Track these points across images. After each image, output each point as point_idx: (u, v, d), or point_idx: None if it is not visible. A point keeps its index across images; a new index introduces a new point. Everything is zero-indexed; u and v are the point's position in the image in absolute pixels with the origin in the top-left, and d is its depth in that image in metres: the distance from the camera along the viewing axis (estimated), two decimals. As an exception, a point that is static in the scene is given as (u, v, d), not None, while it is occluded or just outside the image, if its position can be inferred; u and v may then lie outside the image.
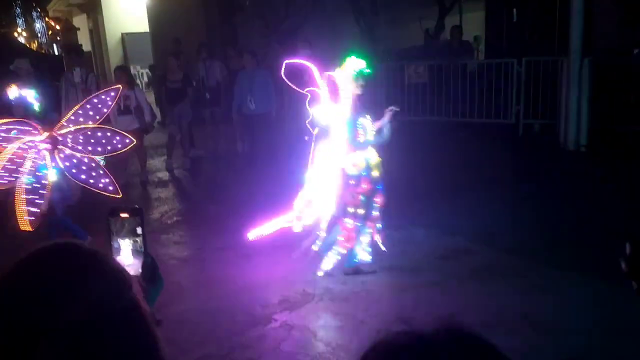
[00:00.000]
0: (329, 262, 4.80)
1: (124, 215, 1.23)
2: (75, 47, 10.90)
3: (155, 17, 16.19)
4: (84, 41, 19.99)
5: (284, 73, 4.92)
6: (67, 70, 9.21)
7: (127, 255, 1.24)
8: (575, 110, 8.50)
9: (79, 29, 20.61)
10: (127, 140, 4.87)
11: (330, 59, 5.28)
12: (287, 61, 4.97)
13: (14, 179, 4.90)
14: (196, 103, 9.34)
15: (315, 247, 4.75)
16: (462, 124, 9.93)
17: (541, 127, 9.48)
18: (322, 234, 4.72)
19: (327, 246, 4.79)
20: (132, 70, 15.35)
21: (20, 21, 36.08)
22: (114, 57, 18.72)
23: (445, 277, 4.71)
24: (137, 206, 1.26)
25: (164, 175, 8.79)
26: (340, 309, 4.36)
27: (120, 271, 0.88)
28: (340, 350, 3.86)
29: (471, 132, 9.66)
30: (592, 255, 4.62)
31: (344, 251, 4.77)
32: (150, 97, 10.05)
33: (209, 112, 9.79)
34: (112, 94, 4.67)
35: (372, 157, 4.72)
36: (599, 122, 8.47)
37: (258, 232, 4.84)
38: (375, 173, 4.70)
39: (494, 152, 8.62)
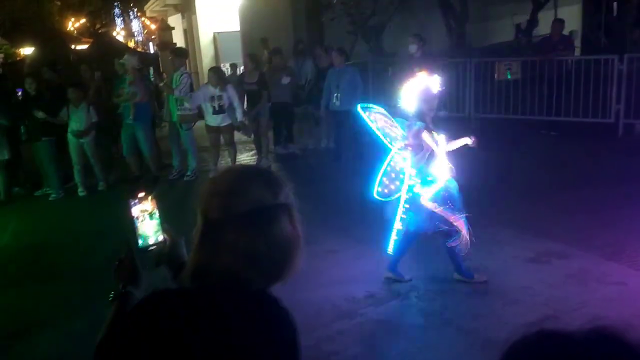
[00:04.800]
0: None
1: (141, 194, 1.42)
2: (177, 48, 11.43)
3: (245, 17, 16.68)
4: (178, 40, 20.88)
5: None
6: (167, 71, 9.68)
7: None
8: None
9: (173, 28, 21.53)
10: None
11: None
12: None
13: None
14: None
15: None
16: (555, 123, 9.53)
17: (643, 128, 8.94)
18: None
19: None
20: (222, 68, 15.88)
21: (118, 21, 38.12)
22: (207, 55, 19.43)
23: (535, 281, 4.57)
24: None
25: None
26: (426, 307, 4.34)
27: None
28: (426, 349, 3.84)
29: (564, 131, 9.26)
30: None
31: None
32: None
33: (302, 109, 10.03)
34: None
35: None
36: None
37: None
38: None
39: (590, 152, 8.22)
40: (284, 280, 1.29)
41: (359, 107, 4.74)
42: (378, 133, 4.63)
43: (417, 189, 4.44)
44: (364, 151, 8.77)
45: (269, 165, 9.10)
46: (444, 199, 4.38)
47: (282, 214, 1.26)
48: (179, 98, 8.21)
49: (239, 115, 8.27)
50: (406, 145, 4.46)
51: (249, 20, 16.31)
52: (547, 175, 7.22)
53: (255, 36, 13.85)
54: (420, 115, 4.38)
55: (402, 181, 4.58)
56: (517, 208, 6.13)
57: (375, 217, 6.26)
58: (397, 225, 4.58)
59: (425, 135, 4.33)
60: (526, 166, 7.71)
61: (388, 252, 4.66)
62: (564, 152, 8.38)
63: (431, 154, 4.38)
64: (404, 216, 4.55)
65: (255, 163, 9.19)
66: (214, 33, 19.68)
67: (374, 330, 4.08)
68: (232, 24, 17.83)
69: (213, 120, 8.18)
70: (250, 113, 9.06)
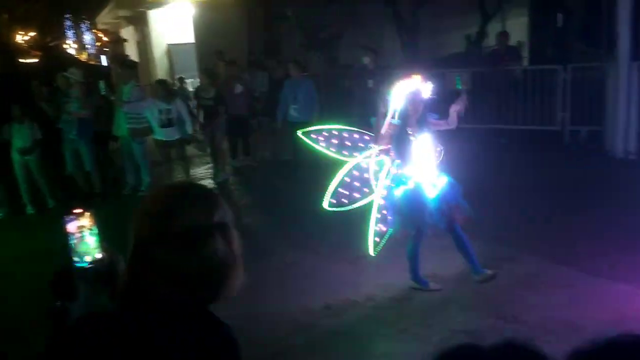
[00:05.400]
0: None
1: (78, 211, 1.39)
2: (126, 60, 11.22)
3: (200, 29, 16.57)
4: (131, 52, 20.56)
5: None
6: (117, 84, 9.48)
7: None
8: (623, 117, 8.29)
9: (126, 40, 21.21)
10: None
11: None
12: None
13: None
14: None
15: None
16: (505, 131, 9.80)
17: (588, 134, 9.29)
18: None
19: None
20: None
21: (70, 33, 37.27)
22: (160, 68, 19.19)
23: (487, 287, 4.67)
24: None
25: (208, 184, 8.96)
26: (382, 316, 4.37)
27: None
28: (382, 358, 3.87)
29: (513, 139, 9.53)
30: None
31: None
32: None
33: (257, 121, 10.03)
34: None
35: None
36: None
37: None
38: None
39: (538, 159, 8.47)
40: (219, 301, 1.27)
41: (299, 134, 4.87)
42: (328, 152, 4.74)
43: (395, 189, 4.53)
44: (321, 162, 8.81)
45: (227, 179, 9.04)
46: (409, 199, 4.47)
47: (217, 234, 1.23)
48: (128, 112, 8.08)
49: (189, 129, 8.18)
50: (382, 149, 4.58)
51: (204, 32, 16.21)
52: (496, 182, 7.37)
53: (210, 48, 13.77)
54: (404, 115, 4.47)
55: (370, 187, 4.66)
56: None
57: (332, 227, 6.31)
58: (378, 227, 4.64)
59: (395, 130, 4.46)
60: (475, 173, 7.84)
61: (370, 254, 4.72)
62: (512, 158, 8.60)
63: (407, 153, 4.48)
64: (390, 217, 4.63)
65: (211, 176, 9.12)
66: (167, 45, 19.47)
67: (331, 341, 4.08)
68: (186, 35, 17.68)
69: (161, 134, 8.06)
70: (206, 128, 8.99)
